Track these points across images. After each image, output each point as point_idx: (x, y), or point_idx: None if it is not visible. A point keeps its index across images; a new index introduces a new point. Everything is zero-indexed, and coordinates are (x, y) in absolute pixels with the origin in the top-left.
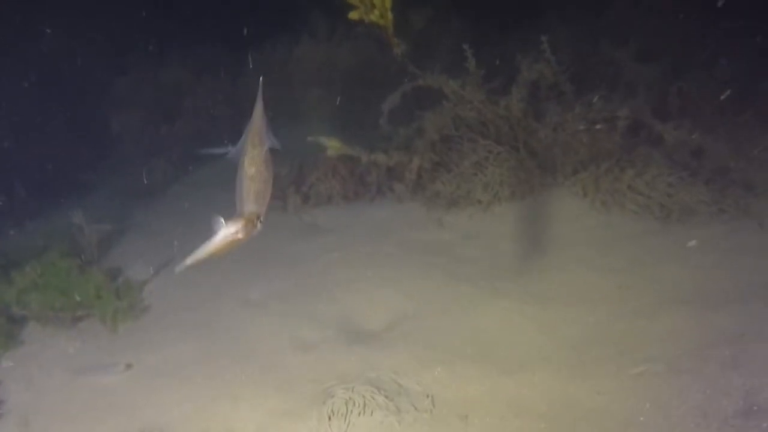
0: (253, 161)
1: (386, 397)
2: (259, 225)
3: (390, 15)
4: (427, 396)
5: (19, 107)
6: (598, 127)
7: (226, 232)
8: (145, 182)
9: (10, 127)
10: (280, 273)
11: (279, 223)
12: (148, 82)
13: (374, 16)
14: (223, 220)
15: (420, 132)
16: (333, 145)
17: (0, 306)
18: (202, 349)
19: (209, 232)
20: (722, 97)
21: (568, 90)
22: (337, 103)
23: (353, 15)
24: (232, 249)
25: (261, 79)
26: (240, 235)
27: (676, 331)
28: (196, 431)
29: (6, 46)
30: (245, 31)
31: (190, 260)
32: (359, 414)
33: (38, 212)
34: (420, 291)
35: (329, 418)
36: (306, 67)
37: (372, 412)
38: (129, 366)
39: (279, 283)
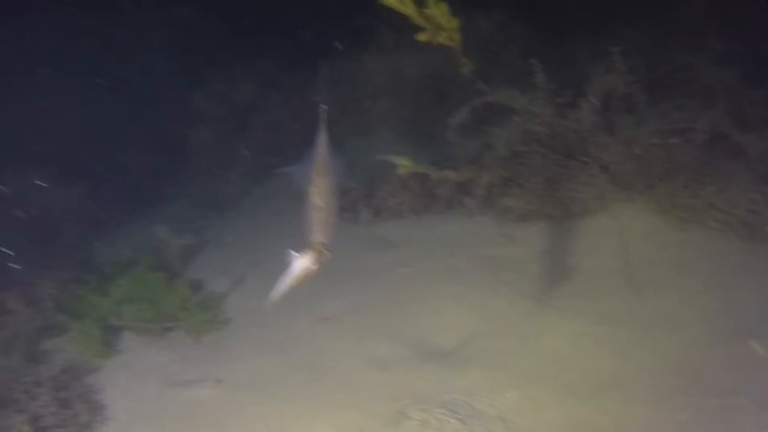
0: (319, 191)
1: (459, 420)
2: (327, 254)
3: (458, 36)
4: (501, 420)
5: (102, 118)
6: (673, 140)
7: (299, 265)
8: (220, 194)
9: (94, 138)
10: (353, 287)
11: (351, 236)
12: (222, 97)
13: (442, 38)
14: (294, 253)
15: (489, 147)
16: (404, 164)
17: (98, 317)
18: (281, 363)
19: (283, 266)
20: None
21: (641, 101)
22: (404, 114)
23: (421, 37)
24: (306, 279)
25: (323, 107)
26: (311, 267)
27: (763, 362)
28: None
29: (89, 60)
30: (310, 45)
31: (273, 296)
32: None
33: (123, 221)
34: (491, 309)
35: None
36: (373, 79)
37: None
38: (219, 381)
39: (353, 297)
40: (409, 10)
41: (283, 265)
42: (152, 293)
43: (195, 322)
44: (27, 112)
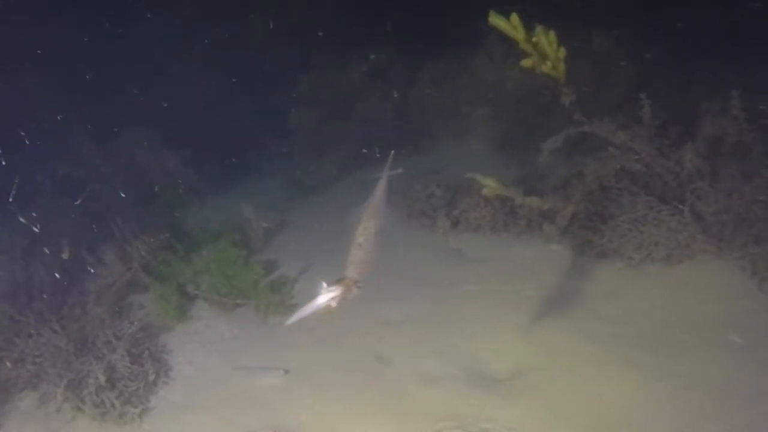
0: (364, 231)
1: None
2: (356, 291)
3: (562, 66)
4: None
5: (213, 90)
6: None
7: (325, 297)
8: (311, 177)
9: (203, 108)
10: (418, 295)
11: (426, 244)
12: (328, 84)
13: (546, 68)
14: (325, 285)
15: (579, 177)
16: (489, 185)
17: (178, 283)
18: (336, 358)
19: (312, 295)
20: None
21: (756, 151)
22: (501, 124)
23: (526, 63)
24: (331, 311)
25: (392, 153)
26: (334, 303)
27: None
28: None
29: (207, 35)
30: (421, 41)
31: (293, 319)
32: None
33: (217, 191)
34: (551, 344)
35: None
36: (476, 86)
37: None
38: (287, 372)
39: (416, 305)
40: (519, 35)
41: (311, 294)
42: (230, 269)
43: (264, 303)
44: (144, 79)
